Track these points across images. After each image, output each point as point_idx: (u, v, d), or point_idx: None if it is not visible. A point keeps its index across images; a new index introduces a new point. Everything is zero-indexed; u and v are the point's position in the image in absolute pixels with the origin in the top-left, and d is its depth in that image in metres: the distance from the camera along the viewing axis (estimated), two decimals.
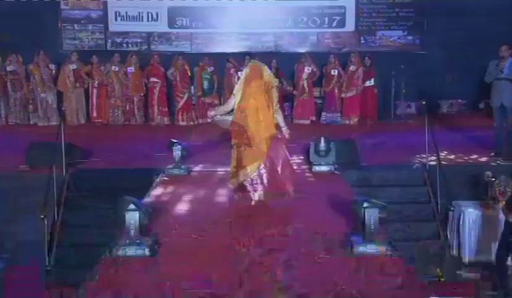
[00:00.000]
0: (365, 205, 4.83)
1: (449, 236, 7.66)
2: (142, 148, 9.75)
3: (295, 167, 7.81)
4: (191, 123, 12.67)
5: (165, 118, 12.76)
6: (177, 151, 8.05)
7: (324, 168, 8.10)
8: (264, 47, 14.02)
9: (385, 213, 4.88)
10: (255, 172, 6.41)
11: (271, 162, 6.45)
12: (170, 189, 7.49)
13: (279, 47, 14.11)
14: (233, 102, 6.57)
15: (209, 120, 12.49)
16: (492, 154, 8.84)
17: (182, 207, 6.74)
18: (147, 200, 6.79)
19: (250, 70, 6.59)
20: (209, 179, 7.96)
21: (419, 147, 8.62)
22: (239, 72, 12.08)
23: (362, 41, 14.20)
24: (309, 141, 8.63)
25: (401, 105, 13.19)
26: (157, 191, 7.36)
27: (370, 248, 4.77)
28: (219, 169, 8.33)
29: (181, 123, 12.62)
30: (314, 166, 8.13)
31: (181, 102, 12.61)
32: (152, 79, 12.66)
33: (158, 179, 7.85)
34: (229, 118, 6.66)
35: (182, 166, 8.07)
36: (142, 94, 12.77)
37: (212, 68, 12.75)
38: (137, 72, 12.68)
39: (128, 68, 12.64)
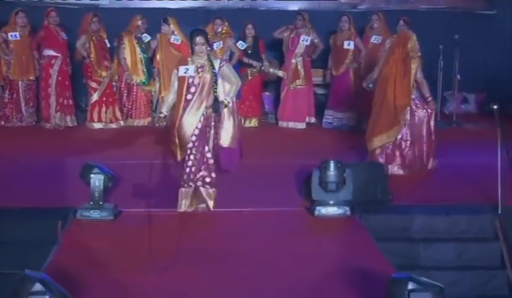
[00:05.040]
0: (410, 286, 5.03)
1: None
2: (34, 171, 9.79)
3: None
4: (113, 125, 12.89)
5: (67, 117, 12.94)
6: (97, 181, 8.13)
7: (335, 211, 8.30)
8: (233, 2, 14.44)
9: None
10: (391, 139, 9.72)
11: (412, 135, 9.81)
12: (85, 245, 7.53)
13: (257, 3, 14.53)
14: (378, 70, 10.23)
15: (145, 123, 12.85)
16: None
17: (109, 278, 6.79)
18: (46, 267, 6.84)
19: (397, 37, 10.12)
20: (150, 226, 8.02)
21: (485, 174, 8.91)
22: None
23: None
24: (306, 161, 8.96)
25: (454, 99, 13.62)
26: (62, 252, 7.35)
27: None
28: (166, 209, 8.46)
29: (96, 125, 12.82)
30: (319, 208, 8.32)
31: (99, 91, 12.78)
32: (48, 52, 12.79)
33: (64, 228, 7.90)
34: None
35: (105, 205, 8.18)
36: (32, 77, 12.90)
37: (148, 38, 13.02)
38: (24, 40, 12.82)
39: (10, 34, 12.74)
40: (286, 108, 13.12)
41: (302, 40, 12.85)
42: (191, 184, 8.24)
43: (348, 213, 8.27)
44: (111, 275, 6.82)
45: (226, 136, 8.76)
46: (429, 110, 9.92)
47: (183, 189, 8.29)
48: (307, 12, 13.39)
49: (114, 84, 13.08)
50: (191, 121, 8.18)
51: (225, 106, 8.35)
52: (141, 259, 7.21)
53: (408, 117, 9.77)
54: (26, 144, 11.58)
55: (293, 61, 12.96)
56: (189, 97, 8.20)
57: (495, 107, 8.59)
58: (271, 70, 13.07)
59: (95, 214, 8.09)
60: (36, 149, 11.27)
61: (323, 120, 13.20)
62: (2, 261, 7.42)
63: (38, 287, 5.08)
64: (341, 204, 8.31)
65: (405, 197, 8.87)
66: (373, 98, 12.39)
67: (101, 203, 8.14)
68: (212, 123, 8.29)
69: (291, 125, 13.04)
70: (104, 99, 12.81)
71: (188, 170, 8.21)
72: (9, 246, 7.70)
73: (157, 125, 8.33)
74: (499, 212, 8.38)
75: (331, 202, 8.32)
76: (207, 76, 8.18)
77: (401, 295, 5.08)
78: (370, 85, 10.75)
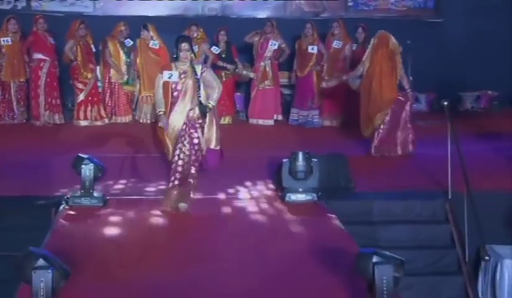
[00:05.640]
0: (375, 259, 5.19)
1: (480, 295, 8.22)
2: (27, 164, 9.85)
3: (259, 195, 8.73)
4: (98, 123, 12.93)
5: (56, 116, 12.99)
6: (87, 171, 8.17)
7: (303, 197, 8.45)
8: (207, 10, 14.53)
9: (403, 271, 5.25)
10: (376, 125, 10.43)
11: (392, 121, 10.45)
12: (77, 229, 7.61)
13: (228, 11, 14.65)
14: (363, 68, 10.59)
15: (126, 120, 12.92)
16: None
17: (100, 259, 6.86)
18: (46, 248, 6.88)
19: (378, 39, 10.49)
20: (136, 211, 8.20)
21: (437, 164, 9.20)
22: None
23: (350, 3, 14.94)
24: (274, 154, 9.10)
25: None
26: (57, 235, 7.39)
27: None
28: (150, 196, 8.66)
29: (82, 122, 12.86)
30: (289, 194, 8.46)
31: (85, 92, 12.82)
32: (37, 56, 12.83)
33: (58, 215, 7.97)
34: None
35: (95, 193, 8.25)
36: (23, 79, 12.94)
37: (131, 43, 13.13)
38: (16, 45, 12.85)
39: (2, 39, 12.78)
40: (255, 106, 13.27)
41: (271, 45, 13.00)
42: (177, 183, 8.00)
43: (315, 199, 8.41)
44: (101, 255, 6.89)
45: (210, 139, 8.15)
46: (407, 101, 10.62)
47: (171, 190, 8.07)
48: (274, 19, 13.57)
49: (99, 84, 13.14)
50: (177, 120, 7.92)
51: (209, 109, 7.94)
52: (126, 241, 7.34)
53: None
54: (18, 140, 11.63)
55: (262, 63, 13.10)
56: (172, 101, 7.94)
57: (445, 103, 8.84)
58: (244, 72, 13.22)
59: (85, 201, 8.15)
60: (28, 144, 11.32)
61: (290, 117, 13.35)
62: (1, 244, 7.48)
63: (41, 262, 5.13)
64: (309, 191, 8.44)
65: (365, 184, 9.08)
66: (338, 98, 12.86)
67: (91, 191, 8.19)
68: (197, 125, 7.96)
69: (261, 122, 13.18)
70: (90, 98, 12.84)
71: (175, 171, 7.99)
72: (6, 231, 7.75)
73: (160, 124, 8.03)
74: (449, 197, 8.64)
75: (300, 189, 8.45)
76: (190, 82, 7.89)
77: (367, 268, 5.20)
78: (350, 80, 11.22)
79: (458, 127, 8.83)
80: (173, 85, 7.91)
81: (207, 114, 7.98)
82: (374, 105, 10.41)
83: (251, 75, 13.23)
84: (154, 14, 14.14)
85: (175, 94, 7.91)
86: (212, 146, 8.18)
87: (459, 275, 8.18)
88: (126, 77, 13.09)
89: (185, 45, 7.89)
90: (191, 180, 8.06)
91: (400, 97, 10.56)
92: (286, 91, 13.83)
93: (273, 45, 13.02)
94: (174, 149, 8.00)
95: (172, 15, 14.30)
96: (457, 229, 8.33)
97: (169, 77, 7.90)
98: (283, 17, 14.33)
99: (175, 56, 8.09)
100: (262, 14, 14.48)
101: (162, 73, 7.98)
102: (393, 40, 10.47)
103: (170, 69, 7.98)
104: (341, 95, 13.06)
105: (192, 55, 8.06)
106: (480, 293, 8.25)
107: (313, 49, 12.94)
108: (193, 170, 8.04)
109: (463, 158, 8.28)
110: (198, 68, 8.01)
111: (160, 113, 8.00)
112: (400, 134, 10.57)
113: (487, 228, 7.93)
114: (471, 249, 8.12)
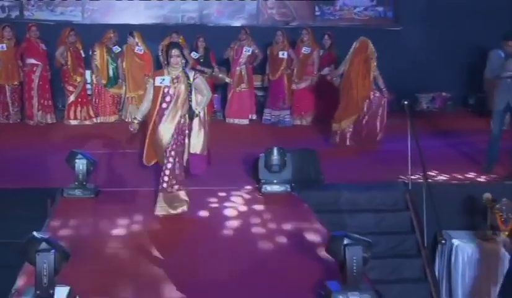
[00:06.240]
0: (345, 241, 5.32)
1: (437, 276, 8.40)
2: (23, 159, 9.91)
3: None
4: (87, 122, 12.94)
5: (48, 116, 12.98)
6: (80, 165, 8.25)
7: (278, 188, 8.59)
8: (186, 18, 14.59)
9: (370, 252, 5.39)
10: (352, 122, 10.98)
11: (369, 115, 10.96)
12: (72, 218, 7.69)
13: (206, 19, 14.70)
14: (343, 68, 11.13)
15: (112, 120, 12.97)
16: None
17: (93, 245, 6.99)
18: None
19: (359, 44, 11.06)
20: (125, 202, 8.28)
21: (398, 157, 9.38)
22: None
23: (317, 13, 15.03)
24: (250, 150, 9.27)
25: None
26: (53, 223, 7.48)
27: None
28: (137, 188, 8.72)
29: (72, 122, 12.87)
30: (265, 186, 8.59)
31: (75, 94, 12.85)
32: (30, 61, 12.81)
33: (53, 205, 8.06)
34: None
35: (87, 185, 8.33)
36: (17, 82, 12.94)
37: (119, 49, 13.18)
38: (10, 50, 12.82)
39: None
40: (232, 107, 13.32)
41: (245, 51, 13.06)
42: (168, 189, 7.64)
43: (289, 190, 8.55)
44: (93, 241, 7.03)
45: (197, 144, 7.69)
46: (383, 98, 11.05)
47: (161, 194, 7.68)
48: (248, 27, 13.65)
49: (89, 87, 13.19)
50: (167, 130, 7.48)
51: (196, 115, 7.56)
52: (116, 229, 7.44)
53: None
54: (13, 139, 11.64)
55: (238, 68, 13.14)
56: (164, 105, 7.50)
57: (406, 102, 9.05)
58: (221, 75, 13.31)
59: (79, 192, 8.26)
60: (22, 142, 11.32)
61: (263, 117, 13.41)
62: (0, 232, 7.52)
63: (44, 245, 5.20)
64: (283, 183, 8.58)
65: (334, 176, 9.24)
66: (308, 99, 12.98)
67: (84, 183, 8.28)
68: (187, 131, 7.59)
69: (236, 121, 13.25)
70: (79, 99, 12.86)
71: (166, 176, 7.59)
72: (5, 221, 7.77)
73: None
74: (409, 188, 8.80)
75: (275, 181, 8.59)
76: (182, 87, 7.48)
77: (338, 249, 5.33)
78: (334, 78, 11.80)
79: (415, 125, 8.99)
80: (166, 90, 7.50)
81: (197, 120, 7.62)
82: (352, 102, 10.93)
83: (227, 80, 13.30)
84: (137, 22, 14.16)
85: (167, 98, 7.51)
86: (198, 152, 7.74)
87: (418, 258, 8.35)
88: (104, 81, 13.08)
89: (175, 51, 7.50)
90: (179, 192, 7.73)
91: (377, 95, 11.01)
92: (260, 93, 13.91)
93: (247, 51, 13.08)
94: (164, 157, 7.58)
95: (154, 24, 14.36)
96: (417, 216, 8.50)
97: (161, 82, 7.52)
98: (256, 25, 14.39)
99: (166, 62, 7.77)
100: (237, 23, 14.56)
101: (153, 79, 7.65)
102: (371, 45, 11.00)
103: (162, 75, 7.63)
104: (310, 96, 13.25)
105: (183, 61, 7.74)
106: (437, 274, 8.44)
107: (283, 55, 13.01)
108: (183, 176, 7.74)
109: (421, 152, 8.47)
110: (191, 74, 7.66)
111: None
112: (376, 125, 11.03)
113: (443, 215, 8.11)
114: (429, 234, 8.33)
